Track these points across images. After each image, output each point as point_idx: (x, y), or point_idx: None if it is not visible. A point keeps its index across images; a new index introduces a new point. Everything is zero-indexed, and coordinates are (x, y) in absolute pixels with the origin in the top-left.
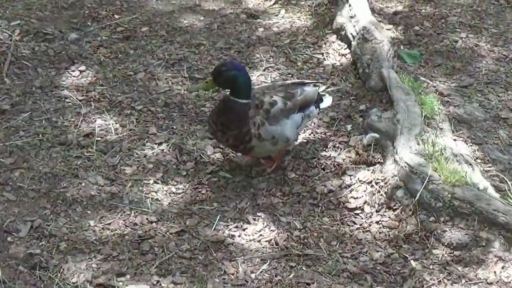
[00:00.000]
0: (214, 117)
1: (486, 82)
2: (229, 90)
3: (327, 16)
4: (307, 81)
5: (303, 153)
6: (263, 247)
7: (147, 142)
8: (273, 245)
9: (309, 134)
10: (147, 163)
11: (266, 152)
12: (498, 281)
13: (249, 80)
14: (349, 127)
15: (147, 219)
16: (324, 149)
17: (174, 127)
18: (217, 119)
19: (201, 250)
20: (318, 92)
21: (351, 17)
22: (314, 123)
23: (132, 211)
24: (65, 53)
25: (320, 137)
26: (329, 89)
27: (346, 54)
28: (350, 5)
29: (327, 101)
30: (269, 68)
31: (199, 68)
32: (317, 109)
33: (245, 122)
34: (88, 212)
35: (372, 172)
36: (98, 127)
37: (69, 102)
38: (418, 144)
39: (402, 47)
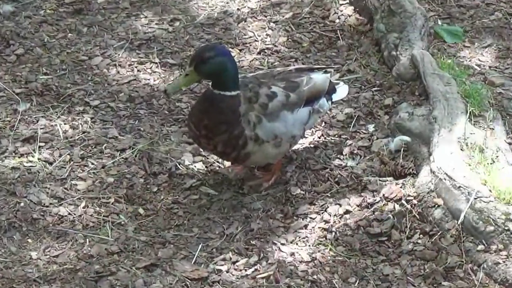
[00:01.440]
0: (195, 118)
1: None
2: (213, 81)
3: None
4: (315, 66)
5: (311, 162)
6: (259, 286)
7: (105, 148)
8: (272, 283)
9: (319, 137)
10: (106, 176)
11: (267, 158)
12: None
13: (237, 66)
14: (371, 127)
15: (106, 249)
16: (339, 156)
17: (142, 129)
18: (200, 121)
19: None
20: (330, 81)
21: None
22: (326, 123)
23: (87, 239)
24: None
25: (333, 140)
26: (344, 78)
27: (367, 32)
28: None
29: (342, 92)
30: (266, 51)
31: (174, 51)
32: (329, 102)
33: (236, 122)
34: (29, 240)
35: (401, 187)
36: (41, 129)
37: (3, 96)
38: (462, 149)
39: (440, 22)
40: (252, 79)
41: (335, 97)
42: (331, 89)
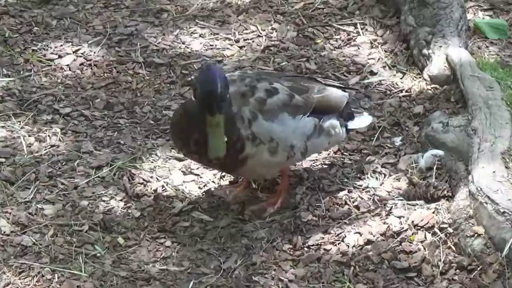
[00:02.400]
0: (178, 131)
1: None
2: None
3: None
4: (335, 83)
5: (325, 183)
6: None
7: (78, 165)
8: None
9: (335, 152)
10: (79, 199)
11: (263, 166)
12: None
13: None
14: (397, 140)
15: (79, 286)
16: (359, 176)
17: (122, 142)
18: (188, 135)
19: None
20: (349, 102)
21: None
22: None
23: (56, 275)
24: None
25: (351, 156)
26: (366, 81)
27: (393, 26)
28: None
29: (362, 121)
30: (271, 48)
31: (161, 49)
32: (343, 129)
33: (230, 126)
34: None
35: (434, 212)
36: (1, 141)
37: None
38: (507, 167)
39: (481, 15)
40: (252, 74)
41: (353, 124)
42: (348, 114)
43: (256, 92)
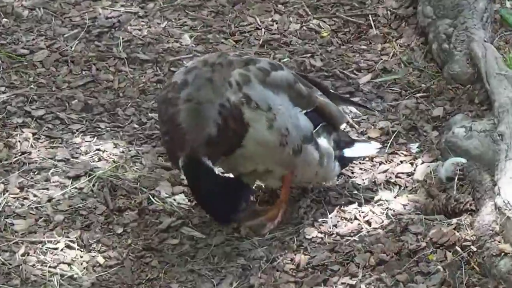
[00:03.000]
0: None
1: None
2: None
3: None
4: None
5: (332, 195)
6: None
7: (53, 175)
8: None
9: None
10: (54, 213)
11: (261, 144)
12: None
13: None
14: (414, 147)
15: None
16: (370, 187)
17: (102, 149)
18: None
19: None
20: (349, 134)
21: None
22: None
23: None
24: None
25: (362, 165)
26: (379, 80)
27: (409, 17)
28: None
29: (363, 149)
30: (271, 42)
31: (146, 43)
32: (335, 161)
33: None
34: None
35: (455, 228)
36: None
37: None
38: None
39: (508, 5)
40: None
41: (350, 152)
42: (346, 140)
43: (257, 63)
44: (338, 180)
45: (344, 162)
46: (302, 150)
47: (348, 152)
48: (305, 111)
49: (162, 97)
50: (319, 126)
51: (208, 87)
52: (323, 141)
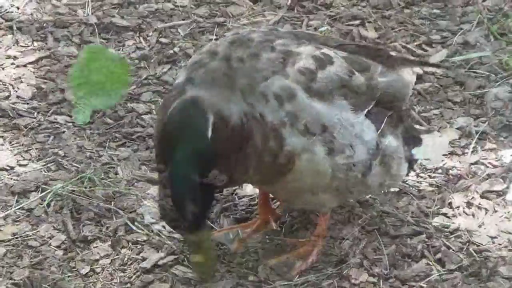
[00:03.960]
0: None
1: None
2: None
3: None
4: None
5: (390, 221)
6: None
7: None
8: None
9: (406, 174)
10: None
11: (317, 175)
12: None
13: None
14: (507, 154)
15: None
16: (443, 211)
17: (62, 153)
18: None
19: None
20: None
21: None
22: None
23: None
24: None
25: (432, 179)
26: (456, 58)
27: None
28: None
29: (433, 149)
30: (304, 3)
31: (125, 2)
32: (405, 163)
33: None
34: None
35: None
36: None
37: None
38: None
39: None
40: (288, 34)
41: (418, 152)
42: (413, 136)
43: (296, 60)
44: (399, 201)
45: (413, 163)
46: (372, 168)
47: (417, 153)
48: (366, 110)
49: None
50: (383, 123)
51: (225, 93)
52: (391, 141)
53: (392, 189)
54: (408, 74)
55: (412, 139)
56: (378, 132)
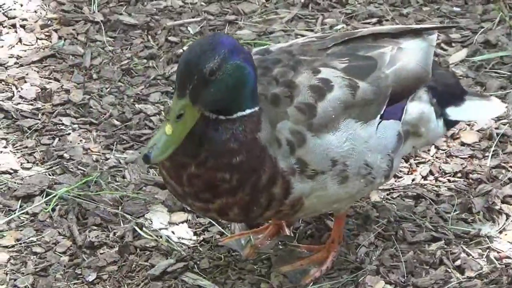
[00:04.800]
0: (174, 165)
1: None
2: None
3: None
4: (414, 26)
5: (408, 227)
6: None
7: None
8: None
9: (424, 176)
10: None
11: (330, 203)
12: None
13: (255, 66)
14: None
15: None
16: (464, 216)
17: (66, 155)
18: (183, 170)
19: None
20: (450, 77)
21: None
22: (438, 148)
23: None
24: None
25: (451, 183)
26: (477, 58)
27: None
28: None
29: (481, 108)
30: (319, 1)
31: (133, 0)
32: (442, 122)
33: (259, 157)
34: None
35: None
36: None
37: None
38: None
39: None
40: (281, 54)
41: (457, 113)
42: (448, 95)
43: (296, 95)
44: (416, 206)
45: (450, 125)
46: (394, 161)
47: (453, 113)
48: (379, 115)
49: None
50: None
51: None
52: (418, 105)
53: (410, 193)
54: (421, 41)
55: (447, 97)
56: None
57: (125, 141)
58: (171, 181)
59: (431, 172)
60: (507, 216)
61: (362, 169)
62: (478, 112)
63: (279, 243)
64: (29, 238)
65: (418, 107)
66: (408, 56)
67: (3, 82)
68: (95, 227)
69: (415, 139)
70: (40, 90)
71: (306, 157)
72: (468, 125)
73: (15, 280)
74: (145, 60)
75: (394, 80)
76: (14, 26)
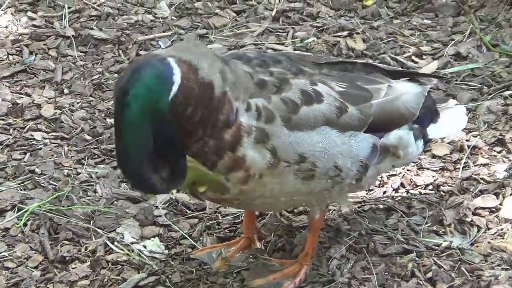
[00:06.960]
0: None
1: None
2: None
3: None
4: (409, 71)
5: (379, 239)
6: None
7: None
8: None
9: (395, 190)
10: None
11: (285, 191)
12: None
13: None
14: (500, 170)
15: None
16: (435, 228)
17: (38, 170)
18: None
19: None
20: (428, 98)
21: None
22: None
23: None
24: None
25: (422, 196)
26: (448, 70)
27: None
28: None
29: (452, 121)
30: (289, 14)
31: (104, 14)
32: (420, 143)
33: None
34: None
35: None
36: None
37: None
38: None
39: None
40: (287, 59)
41: (436, 132)
42: (427, 114)
43: (287, 89)
44: (388, 219)
45: (427, 143)
46: (369, 168)
47: (432, 132)
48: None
49: None
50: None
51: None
52: (397, 132)
53: (381, 206)
54: (415, 87)
55: (427, 117)
56: (384, 140)
57: (96, 156)
58: None
59: (402, 185)
60: (478, 228)
61: (331, 170)
62: (452, 125)
63: (251, 256)
64: (0, 253)
65: (396, 133)
66: (398, 95)
67: None
68: (66, 242)
69: (394, 160)
70: (11, 105)
71: (273, 138)
72: (439, 139)
73: None
74: (116, 75)
75: (376, 112)
76: None
